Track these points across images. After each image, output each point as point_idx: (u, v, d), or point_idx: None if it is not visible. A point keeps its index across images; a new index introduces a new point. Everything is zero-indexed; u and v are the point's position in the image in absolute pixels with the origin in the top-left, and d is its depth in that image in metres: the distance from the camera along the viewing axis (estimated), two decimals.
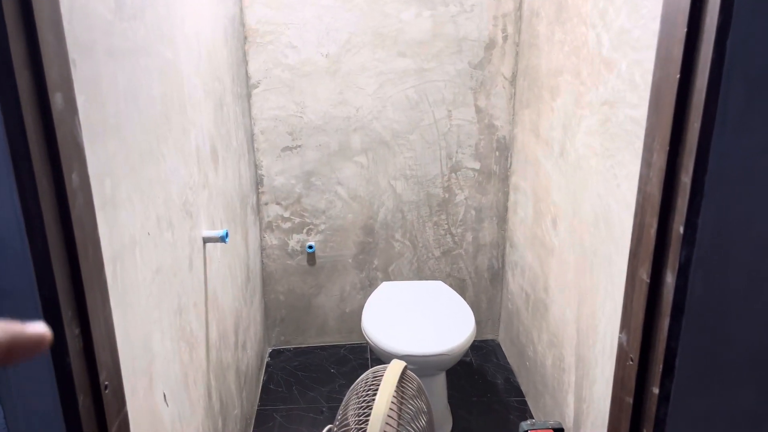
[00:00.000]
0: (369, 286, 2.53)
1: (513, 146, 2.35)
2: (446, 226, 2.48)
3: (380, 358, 1.93)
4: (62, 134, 0.63)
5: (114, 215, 0.85)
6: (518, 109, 2.26)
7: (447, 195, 2.43)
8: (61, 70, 0.63)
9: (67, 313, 0.66)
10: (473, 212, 2.47)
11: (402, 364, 0.90)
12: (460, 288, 2.58)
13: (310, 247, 2.44)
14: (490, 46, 2.23)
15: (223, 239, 1.39)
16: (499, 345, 2.63)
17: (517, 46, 2.23)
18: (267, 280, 2.50)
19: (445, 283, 2.54)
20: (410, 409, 0.84)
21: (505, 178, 2.42)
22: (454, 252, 2.53)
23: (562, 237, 1.83)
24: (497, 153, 2.38)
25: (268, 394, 2.29)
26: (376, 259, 2.52)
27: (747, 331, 0.73)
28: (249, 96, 2.22)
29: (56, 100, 0.62)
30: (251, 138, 2.25)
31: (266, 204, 2.39)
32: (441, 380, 2.02)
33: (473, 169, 2.40)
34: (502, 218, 2.48)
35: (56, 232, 0.63)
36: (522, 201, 2.26)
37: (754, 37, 0.61)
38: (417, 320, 1.98)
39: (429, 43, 2.21)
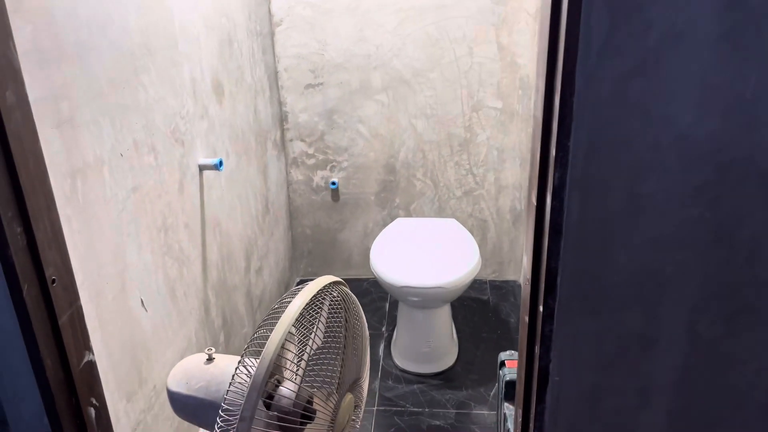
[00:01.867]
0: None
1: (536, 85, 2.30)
2: (468, 166, 2.49)
3: (385, 289, 2.02)
4: None
5: (72, 135, 0.95)
6: None
7: (468, 135, 2.43)
8: None
9: (6, 213, 0.77)
10: (495, 152, 2.46)
11: (330, 279, 0.98)
12: (482, 229, 2.61)
13: (333, 183, 2.53)
14: None
15: (216, 167, 1.49)
16: (519, 286, 2.66)
17: None
18: (294, 213, 2.62)
19: (467, 223, 2.58)
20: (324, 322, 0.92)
21: (527, 118, 2.39)
22: (475, 192, 2.54)
23: None
24: (520, 92, 2.34)
25: None
26: (397, 198, 2.58)
27: (628, 254, 0.75)
28: (272, 34, 2.28)
29: None
30: (275, 75, 2.32)
31: (291, 140, 2.48)
32: (444, 313, 2.09)
33: (495, 108, 2.38)
34: (525, 159, 2.46)
35: None
36: None
37: None
38: (422, 255, 2.04)
39: None
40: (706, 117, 0.67)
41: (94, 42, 1.01)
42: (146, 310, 1.21)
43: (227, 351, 1.72)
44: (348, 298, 1.03)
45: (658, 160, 0.70)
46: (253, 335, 0.91)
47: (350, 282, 2.74)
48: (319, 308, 0.96)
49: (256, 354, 0.89)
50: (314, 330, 0.96)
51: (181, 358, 1.36)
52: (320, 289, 0.94)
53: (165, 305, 1.30)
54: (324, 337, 0.98)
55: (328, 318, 0.98)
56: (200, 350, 1.49)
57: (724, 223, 0.72)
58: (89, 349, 0.95)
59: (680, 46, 0.64)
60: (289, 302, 0.90)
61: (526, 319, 0.85)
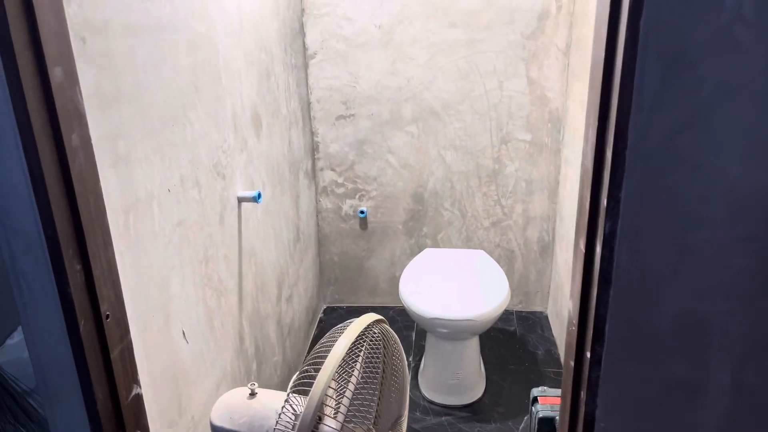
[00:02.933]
0: (418, 252, 2.61)
1: (565, 118, 2.32)
2: (496, 197, 2.50)
3: (414, 319, 2.02)
4: (61, 102, 0.76)
5: (128, 172, 0.98)
6: (571, 81, 2.23)
7: (497, 166, 2.45)
8: (60, 48, 0.75)
9: (68, 251, 0.80)
10: (524, 184, 2.47)
11: (373, 317, 0.99)
12: (509, 259, 2.61)
13: (362, 212, 2.55)
14: (543, 16, 2.20)
15: (255, 199, 1.53)
16: (546, 317, 2.64)
17: (571, 16, 2.19)
18: (322, 241, 2.65)
19: (494, 253, 2.58)
20: (373, 362, 0.93)
21: (557, 150, 2.40)
22: (503, 223, 2.55)
23: None
24: (549, 125, 2.36)
25: None
26: (425, 227, 2.59)
27: (675, 302, 0.75)
28: (306, 66, 2.33)
29: (55, 73, 0.74)
30: (307, 106, 2.37)
31: (321, 170, 2.52)
32: (473, 345, 2.08)
33: (524, 141, 2.40)
34: (553, 191, 2.47)
35: (57, 183, 0.77)
36: (571, 174, 2.24)
37: (668, 18, 0.63)
38: (451, 286, 2.05)
39: (481, 14, 2.22)
40: (755, 170, 0.68)
41: (148, 82, 1.05)
42: (187, 342, 1.23)
43: (259, 379, 1.73)
44: (388, 335, 1.04)
45: (707, 212, 0.70)
46: (299, 374, 0.92)
47: (376, 310, 2.75)
48: (360, 346, 0.97)
49: (301, 392, 0.90)
50: (356, 367, 0.97)
51: (218, 387, 1.38)
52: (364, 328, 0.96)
53: (204, 336, 1.32)
54: (364, 374, 0.99)
55: (368, 356, 0.99)
56: (234, 380, 1.51)
57: None
58: (137, 382, 0.97)
59: (731, 101, 0.66)
60: (334, 342, 0.91)
61: (572, 364, 0.85)
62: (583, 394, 0.83)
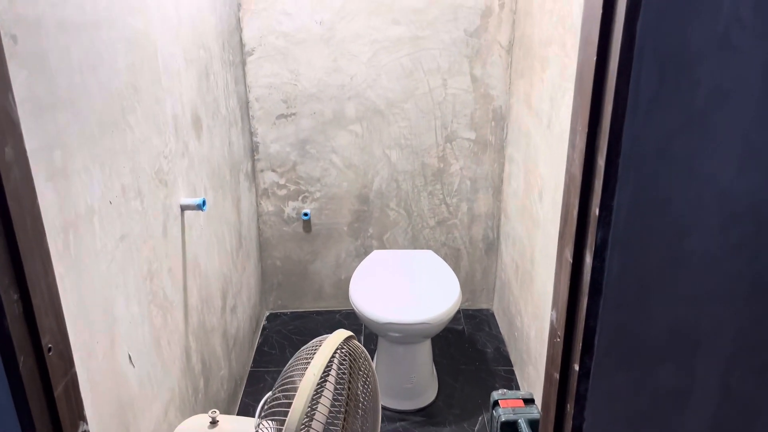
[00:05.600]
0: (364, 254, 2.56)
1: (509, 117, 2.33)
2: (441, 196, 2.49)
3: (365, 325, 1.97)
4: None
5: (66, 186, 0.88)
6: (514, 78, 2.24)
7: (442, 165, 2.43)
8: None
9: (3, 280, 0.70)
10: (468, 182, 2.47)
11: (343, 335, 0.93)
12: (455, 257, 2.60)
13: (305, 214, 2.48)
14: (486, 13, 2.20)
15: (199, 207, 1.43)
16: (492, 315, 2.65)
17: (514, 14, 2.19)
18: (264, 246, 2.55)
19: (440, 252, 2.57)
20: (344, 381, 0.87)
21: (500, 148, 2.40)
22: (449, 222, 2.54)
23: (546, 210, 1.83)
24: (493, 123, 2.36)
25: (262, 356, 2.36)
26: (371, 228, 2.54)
27: (666, 310, 0.73)
28: (244, 63, 2.23)
29: None
30: (246, 105, 2.27)
31: (262, 171, 2.42)
32: (425, 348, 2.05)
33: (468, 139, 2.39)
34: (498, 189, 2.48)
35: None
36: (515, 172, 2.25)
37: (665, 20, 0.60)
38: (403, 289, 2.01)
39: (424, 11, 2.18)
40: (747, 174, 0.67)
41: (85, 84, 0.95)
42: (134, 366, 1.13)
43: (206, 396, 1.63)
44: (357, 352, 0.99)
45: (699, 217, 0.69)
46: (269, 400, 0.85)
47: (322, 314, 2.69)
48: (329, 367, 0.91)
49: (272, 417, 0.83)
50: (327, 387, 0.91)
51: (165, 412, 1.28)
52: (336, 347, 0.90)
53: (150, 357, 1.22)
54: (335, 394, 0.93)
55: (339, 375, 0.93)
56: (183, 401, 1.41)
57: (761, 277, 0.72)
58: (83, 418, 0.87)
59: (726, 104, 0.64)
60: (307, 363, 0.85)
61: (557, 376, 0.82)
62: (569, 407, 0.81)
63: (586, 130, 0.69)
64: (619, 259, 0.71)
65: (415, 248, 2.57)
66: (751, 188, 0.68)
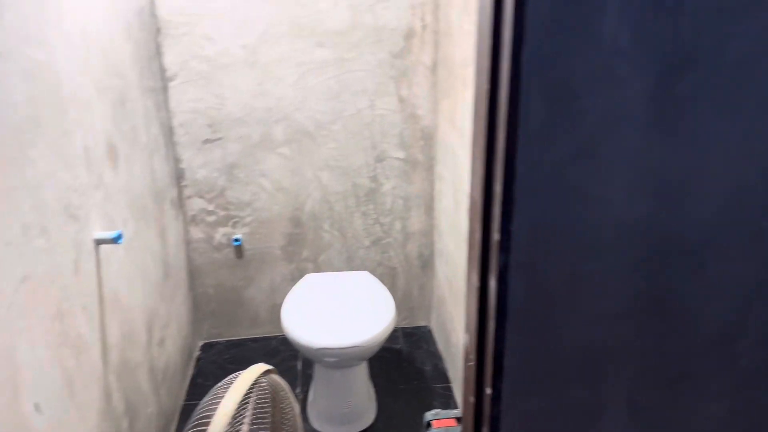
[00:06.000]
0: (299, 277, 2.52)
1: (436, 135, 2.36)
2: (375, 216, 2.49)
3: (300, 351, 1.94)
4: None
5: None
6: (439, 98, 2.27)
7: (374, 185, 2.43)
8: None
9: None
10: (401, 201, 2.48)
11: (259, 370, 0.91)
12: (392, 276, 2.60)
13: (237, 240, 2.43)
14: (409, 35, 2.23)
15: (115, 241, 1.37)
16: (430, 331, 2.66)
17: (436, 35, 2.23)
18: (194, 274, 2.48)
19: (376, 271, 2.56)
20: (262, 419, 0.85)
21: (430, 167, 2.43)
22: (383, 241, 2.54)
23: None
24: (422, 142, 2.39)
25: (196, 388, 2.29)
26: (305, 250, 2.51)
27: (572, 331, 0.75)
28: (166, 89, 2.17)
29: None
30: (170, 131, 2.21)
31: (189, 198, 2.36)
32: (362, 370, 2.04)
33: (398, 159, 2.41)
34: (430, 207, 2.50)
35: None
36: (445, 190, 2.27)
37: (549, 53, 0.62)
38: (336, 312, 1.99)
39: (348, 33, 2.19)
40: (640, 199, 0.69)
41: None
42: (42, 414, 1.06)
43: None
44: (277, 387, 0.96)
45: (597, 241, 0.71)
46: None
47: (259, 341, 2.63)
48: (246, 402, 0.89)
49: None
50: (245, 422, 0.88)
51: None
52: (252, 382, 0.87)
53: (62, 403, 1.15)
54: (253, 429, 0.91)
55: (256, 411, 0.91)
56: None
57: (660, 296, 0.74)
58: None
59: (614, 132, 0.66)
60: (218, 402, 0.82)
61: (472, 400, 0.83)
62: (485, 431, 0.81)
63: (484, 156, 0.70)
64: (523, 283, 0.72)
65: (351, 269, 2.56)
66: (644, 212, 0.70)
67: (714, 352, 0.77)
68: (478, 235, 0.74)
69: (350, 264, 2.55)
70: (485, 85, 0.68)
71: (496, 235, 0.70)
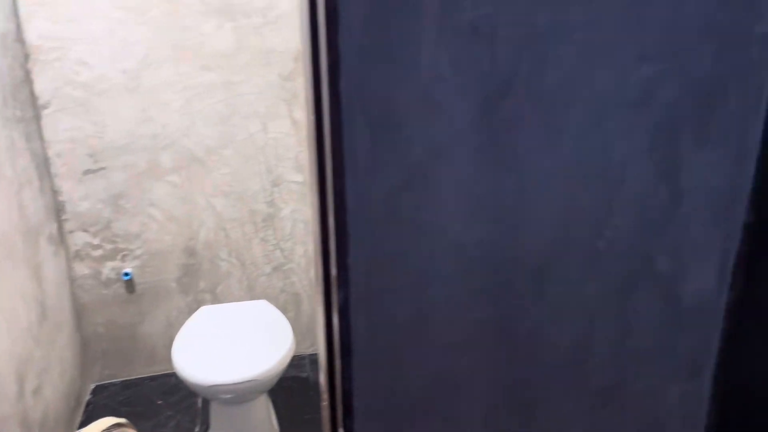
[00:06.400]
0: (197, 309, 2.42)
1: None
2: (274, 242, 2.43)
3: (192, 390, 1.85)
4: None
5: None
6: None
7: (272, 209, 2.37)
8: None
9: None
10: (301, 225, 2.43)
11: (106, 424, 0.84)
12: (296, 302, 2.54)
13: (126, 274, 2.30)
14: (299, 57, 2.20)
15: None
16: None
17: None
18: (81, 312, 2.33)
19: (279, 299, 2.49)
20: None
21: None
22: (285, 267, 2.48)
23: None
24: None
25: None
26: (201, 281, 2.41)
27: (421, 363, 0.73)
28: (38, 118, 2.04)
29: None
30: (45, 163, 2.07)
31: (71, 232, 2.21)
32: (262, 404, 1.96)
33: (296, 182, 2.36)
34: None
35: None
36: None
37: (368, 80, 0.60)
38: (230, 345, 1.91)
39: (235, 56, 2.14)
40: (475, 225, 0.68)
41: None
42: None
43: None
44: None
45: (437, 270, 0.69)
46: None
47: (156, 379, 2.49)
48: None
49: None
50: None
51: None
52: None
53: None
54: None
55: None
56: None
57: (504, 322, 0.73)
58: None
59: (443, 159, 0.65)
60: None
61: None
62: None
63: (317, 189, 0.68)
64: (365, 318, 0.69)
65: (252, 298, 2.48)
66: (482, 239, 0.69)
67: (564, 375, 0.77)
68: (320, 270, 0.71)
69: (251, 293, 2.47)
70: (312, 116, 0.65)
71: (333, 270, 0.67)
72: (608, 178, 0.69)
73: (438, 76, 0.62)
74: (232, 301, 2.42)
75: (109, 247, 2.26)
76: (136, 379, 2.47)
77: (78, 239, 2.23)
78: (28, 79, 1.97)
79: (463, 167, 0.66)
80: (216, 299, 2.45)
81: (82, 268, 2.27)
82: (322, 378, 0.79)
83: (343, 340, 0.69)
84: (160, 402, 2.32)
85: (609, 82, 0.65)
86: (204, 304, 2.42)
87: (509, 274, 0.71)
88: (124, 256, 2.29)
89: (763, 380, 1.00)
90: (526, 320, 0.74)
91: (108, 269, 2.30)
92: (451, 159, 0.65)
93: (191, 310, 2.42)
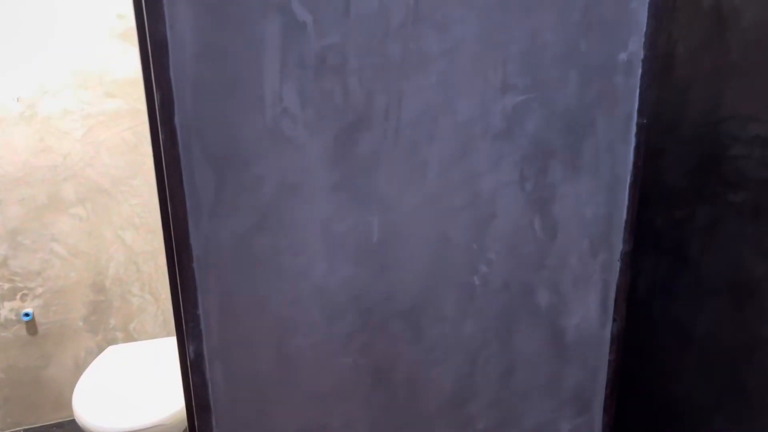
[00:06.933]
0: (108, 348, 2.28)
1: None
2: None
3: None
4: None
5: None
6: None
7: None
8: None
9: None
10: None
11: None
12: None
13: (27, 314, 2.14)
14: None
15: None
16: None
17: None
18: None
19: None
20: None
21: None
22: None
23: None
24: None
25: None
26: (112, 319, 2.28)
27: (290, 414, 0.68)
28: None
29: None
30: None
31: None
32: None
33: None
34: None
35: None
36: None
37: (208, 117, 0.55)
38: (139, 388, 1.80)
39: (140, 82, 2.05)
40: (339, 265, 0.64)
41: None
42: None
43: None
44: None
45: (301, 315, 0.64)
46: None
47: (65, 425, 2.32)
48: None
49: None
50: None
51: None
52: None
53: None
54: None
55: None
56: None
57: (379, 366, 0.69)
58: None
59: (298, 197, 0.61)
60: None
61: None
62: None
63: (163, 234, 0.62)
64: (223, 371, 0.63)
65: (168, 334, 2.35)
66: (348, 281, 0.65)
67: (448, 418, 0.73)
68: (177, 322, 0.65)
69: (167, 329, 2.35)
70: (156, 157, 0.60)
71: (183, 322, 0.62)
72: (479, 212, 0.66)
73: (285, 110, 0.57)
74: (147, 339, 2.30)
75: (6, 286, 2.11)
76: (41, 426, 2.30)
77: None
78: None
79: (322, 205, 0.62)
80: (129, 337, 2.32)
81: None
82: None
83: (199, 397, 0.63)
84: None
85: (472, 112, 0.63)
86: (116, 343, 2.29)
87: (381, 317, 0.67)
88: (24, 295, 2.14)
89: (654, 410, 0.99)
90: (403, 364, 0.70)
91: (6, 310, 2.13)
92: (308, 197, 0.61)
93: (102, 350, 2.28)
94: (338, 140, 0.59)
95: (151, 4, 0.51)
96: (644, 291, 1.01)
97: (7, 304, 2.13)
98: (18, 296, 2.13)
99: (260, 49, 0.55)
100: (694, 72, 0.93)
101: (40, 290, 2.15)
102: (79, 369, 2.28)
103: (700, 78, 0.92)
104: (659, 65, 0.96)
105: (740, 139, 0.86)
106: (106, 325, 2.28)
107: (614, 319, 0.77)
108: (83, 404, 1.70)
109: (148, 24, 0.52)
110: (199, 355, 0.62)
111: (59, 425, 2.31)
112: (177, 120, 0.54)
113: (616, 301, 0.76)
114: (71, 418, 2.32)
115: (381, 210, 0.63)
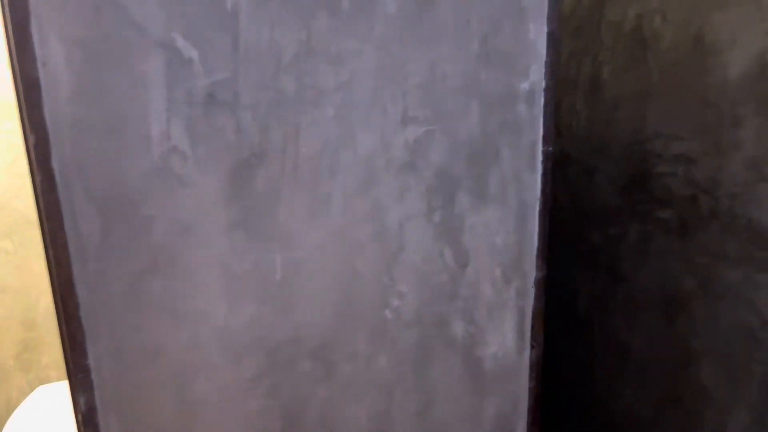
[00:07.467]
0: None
1: None
2: None
3: None
4: None
5: None
6: None
7: None
8: None
9: None
10: None
11: None
12: None
13: None
14: None
15: None
16: None
17: None
18: None
19: None
20: None
21: None
22: None
23: None
24: None
25: None
26: (44, 357, 2.18)
27: None
28: None
29: None
30: None
31: None
32: None
33: None
34: None
35: None
36: None
37: (90, 157, 0.53)
38: (67, 431, 1.71)
39: None
40: (241, 306, 0.62)
41: None
42: None
43: None
44: None
45: (202, 359, 0.62)
46: None
47: None
48: None
49: None
50: None
51: None
52: None
53: None
54: None
55: None
56: None
57: (290, 408, 0.67)
58: None
59: (193, 238, 0.58)
60: None
61: None
62: None
63: (49, 282, 0.59)
64: (118, 424, 0.60)
65: None
66: (251, 321, 0.62)
67: None
68: (68, 373, 0.62)
69: None
70: (36, 200, 0.56)
71: (74, 374, 0.58)
72: (387, 245, 0.65)
73: (173, 148, 0.55)
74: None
75: None
76: None
77: None
78: None
79: (219, 244, 0.59)
80: (63, 375, 2.21)
81: None
82: None
83: None
84: None
85: (373, 145, 0.62)
86: (49, 382, 2.18)
87: (288, 357, 0.65)
88: None
89: (596, 425, 1.00)
90: (315, 404, 0.67)
91: None
92: (203, 236, 0.58)
93: (35, 389, 2.17)
94: (233, 177, 0.58)
95: (20, 41, 0.48)
96: (583, 308, 1.02)
97: None
98: None
99: (144, 87, 0.52)
100: (620, 92, 0.95)
101: None
102: (10, 412, 2.17)
103: (625, 98, 0.94)
104: (588, 86, 0.98)
105: (665, 158, 0.88)
106: (38, 363, 2.17)
107: (532, 346, 0.76)
108: None
109: (18, 61, 0.49)
110: (91, 408, 0.58)
111: None
112: (55, 161, 0.52)
113: (533, 327, 0.76)
114: None
115: (283, 247, 0.61)
